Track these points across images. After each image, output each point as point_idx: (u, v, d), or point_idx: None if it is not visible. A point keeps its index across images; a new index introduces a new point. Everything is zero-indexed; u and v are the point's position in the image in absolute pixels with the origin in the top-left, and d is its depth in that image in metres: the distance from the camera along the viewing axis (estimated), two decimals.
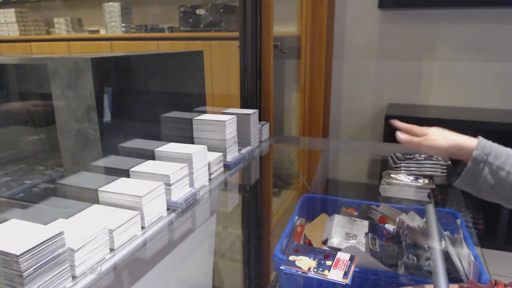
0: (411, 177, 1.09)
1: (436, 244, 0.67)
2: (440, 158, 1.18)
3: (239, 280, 1.25)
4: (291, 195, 1.89)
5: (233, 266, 1.36)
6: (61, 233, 0.54)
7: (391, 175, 1.11)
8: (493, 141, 0.84)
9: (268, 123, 1.42)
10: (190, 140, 1.12)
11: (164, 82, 1.03)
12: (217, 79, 2.67)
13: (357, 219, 1.23)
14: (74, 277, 0.58)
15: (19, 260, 0.49)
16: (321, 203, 1.41)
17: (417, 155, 1.19)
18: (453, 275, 0.89)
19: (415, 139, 0.94)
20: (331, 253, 0.88)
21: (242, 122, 1.22)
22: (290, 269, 0.83)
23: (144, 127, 0.95)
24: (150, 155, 0.95)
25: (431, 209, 0.69)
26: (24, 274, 0.50)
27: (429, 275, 0.90)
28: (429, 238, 0.70)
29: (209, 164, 0.99)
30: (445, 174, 1.12)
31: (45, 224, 0.60)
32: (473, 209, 2.27)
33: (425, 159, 1.16)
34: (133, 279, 0.72)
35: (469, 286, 0.66)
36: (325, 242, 1.16)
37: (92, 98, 0.78)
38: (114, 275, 0.63)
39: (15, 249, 0.49)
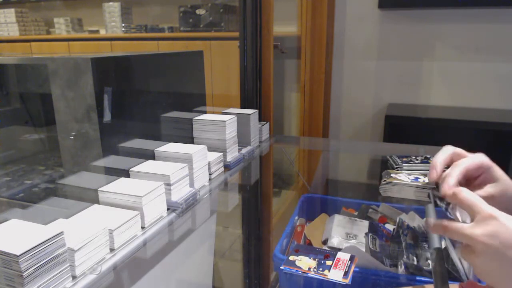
0: (411, 177, 1.09)
1: (436, 244, 0.67)
2: None
3: (239, 280, 1.26)
4: (291, 195, 1.90)
5: (233, 266, 1.36)
6: (61, 233, 0.54)
7: (391, 175, 1.11)
8: (493, 141, 0.83)
9: (268, 123, 1.42)
10: (190, 140, 1.12)
11: (164, 82, 1.03)
12: (217, 79, 2.67)
13: (357, 219, 1.23)
14: (74, 277, 0.58)
15: (19, 260, 0.49)
16: (321, 203, 1.41)
17: (413, 157, 1.19)
18: (453, 275, 0.89)
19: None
20: (331, 253, 0.88)
21: (242, 122, 1.22)
22: (290, 269, 0.83)
23: (144, 127, 0.95)
24: (150, 155, 0.95)
25: (431, 209, 0.69)
26: (24, 274, 0.50)
27: (429, 275, 0.90)
28: (429, 238, 0.70)
29: (209, 164, 0.99)
30: None
31: (45, 224, 0.60)
32: None
33: (422, 162, 1.16)
34: (133, 279, 0.72)
35: (469, 286, 0.66)
36: (325, 242, 1.16)
37: (92, 98, 0.78)
38: (114, 275, 0.63)
39: (15, 249, 0.49)
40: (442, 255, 0.65)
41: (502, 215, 0.48)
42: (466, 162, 0.58)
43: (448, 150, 0.61)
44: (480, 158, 0.58)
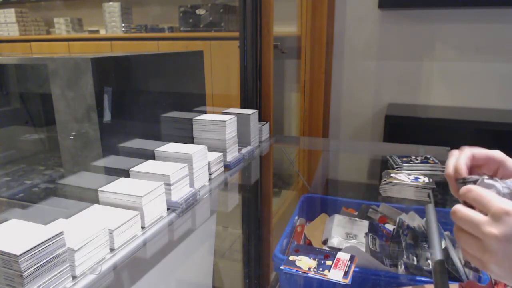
0: (411, 177, 1.09)
1: (436, 244, 0.67)
2: (436, 161, 1.18)
3: (239, 280, 1.25)
4: (291, 195, 1.89)
5: (233, 266, 1.36)
6: (61, 233, 0.54)
7: (391, 175, 1.11)
8: (493, 141, 0.82)
9: (268, 123, 1.42)
10: (190, 140, 1.12)
11: (164, 82, 1.03)
12: (217, 79, 2.67)
13: (357, 219, 1.23)
14: (74, 277, 0.58)
15: (19, 260, 0.49)
16: (321, 203, 1.41)
17: (413, 157, 1.19)
18: (453, 275, 0.89)
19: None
20: (331, 253, 0.88)
21: (242, 122, 1.22)
22: (290, 269, 0.83)
23: (144, 127, 0.95)
24: (150, 155, 0.95)
25: (431, 209, 0.69)
26: (24, 274, 0.50)
27: (429, 275, 0.90)
28: (429, 238, 0.70)
29: (209, 164, 0.99)
30: None
31: (45, 224, 0.60)
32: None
33: (422, 162, 1.16)
34: (133, 279, 0.72)
35: (469, 286, 0.67)
36: (325, 242, 1.16)
37: (92, 98, 0.78)
38: (114, 275, 0.63)
39: (15, 249, 0.49)
40: (442, 255, 0.65)
41: None
42: (474, 149, 0.54)
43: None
44: (492, 151, 0.54)
